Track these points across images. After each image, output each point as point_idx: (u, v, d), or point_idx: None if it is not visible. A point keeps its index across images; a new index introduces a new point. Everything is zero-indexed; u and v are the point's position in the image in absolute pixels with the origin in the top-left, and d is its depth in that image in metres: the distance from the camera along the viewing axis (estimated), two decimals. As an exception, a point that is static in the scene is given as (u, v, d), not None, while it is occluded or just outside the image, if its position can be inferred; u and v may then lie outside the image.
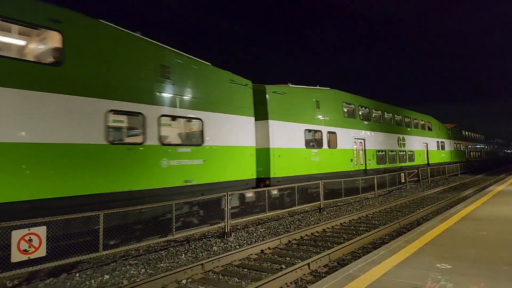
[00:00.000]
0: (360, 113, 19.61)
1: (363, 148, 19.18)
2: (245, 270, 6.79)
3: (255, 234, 9.96)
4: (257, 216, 11.48)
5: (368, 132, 19.79)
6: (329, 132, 16.27)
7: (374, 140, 20.31)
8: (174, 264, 7.28)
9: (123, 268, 6.99)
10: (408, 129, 25.69)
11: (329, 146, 16.15)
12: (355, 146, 18.31)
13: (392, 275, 4.59)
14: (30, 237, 5.80)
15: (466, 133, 44.00)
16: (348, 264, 6.79)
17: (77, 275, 6.62)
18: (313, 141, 15.58)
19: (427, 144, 28.77)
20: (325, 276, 6.01)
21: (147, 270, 6.90)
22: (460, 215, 9.00)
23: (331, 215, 13.01)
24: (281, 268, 6.76)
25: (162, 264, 7.28)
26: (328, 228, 10.36)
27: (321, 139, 15.74)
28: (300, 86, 15.33)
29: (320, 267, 6.58)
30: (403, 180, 21.41)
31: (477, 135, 50.58)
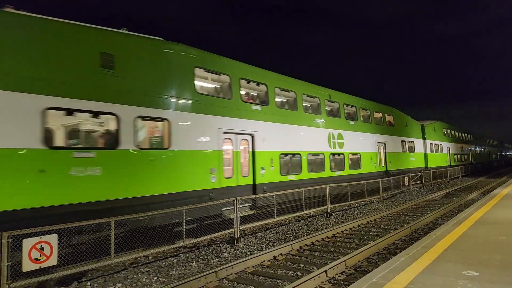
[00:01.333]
0: (242, 92, 12.14)
1: (251, 149, 11.87)
2: (260, 277, 6.64)
3: (264, 240, 9.82)
4: (265, 222, 11.31)
5: (261, 124, 12.30)
6: (146, 119, 8.76)
7: (275, 137, 12.79)
8: (186, 272, 7.12)
9: (134, 276, 6.82)
10: (351, 122, 17.90)
11: (142, 146, 8.61)
12: (228, 146, 11.16)
13: (419, 284, 4.45)
14: (41, 246, 5.63)
15: (449, 131, 35.88)
16: (365, 270, 6.69)
17: (88, 283, 6.45)
18: (82, 135, 8.18)
19: (384, 145, 21.00)
20: (346, 285, 5.90)
21: (159, 278, 6.74)
22: (473, 219, 8.89)
23: (338, 219, 12.87)
24: (297, 275, 6.62)
25: (174, 272, 7.12)
26: (338, 233, 10.22)
27: (117, 132, 8.06)
28: (49, 18, 7.51)
29: (337, 274, 6.44)
30: (407, 184, 21.32)
31: (463, 134, 42.19)
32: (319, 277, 6.04)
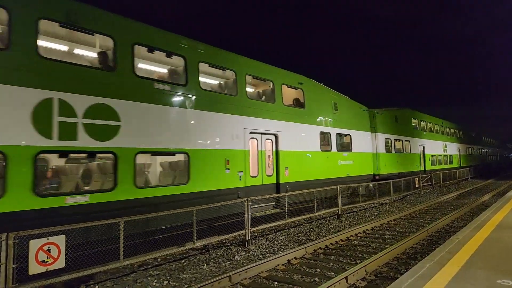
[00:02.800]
0: None
1: None
2: (276, 283, 6.34)
3: (276, 242, 9.51)
4: (275, 224, 10.97)
5: None
6: None
7: None
8: (197, 275, 6.83)
9: (144, 280, 6.55)
10: (163, 87, 8.82)
11: None
12: None
13: (453, 294, 4.13)
14: (48, 247, 5.37)
15: (424, 124, 26.70)
16: (386, 277, 6.38)
17: (96, 287, 6.18)
18: None
19: (276, 138, 12.17)
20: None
21: (170, 282, 6.45)
22: (493, 223, 8.53)
23: (350, 221, 12.54)
24: (314, 281, 6.31)
25: (184, 275, 6.83)
26: (352, 236, 9.89)
27: None
28: None
29: (357, 280, 6.12)
30: (417, 185, 20.91)
31: (449, 130, 32.91)
32: (339, 283, 5.73)
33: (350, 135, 16.28)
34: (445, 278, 4.71)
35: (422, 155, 25.05)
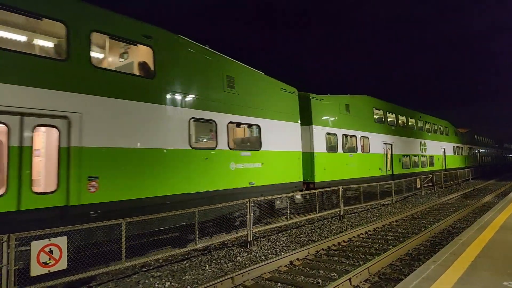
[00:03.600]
0: None
1: None
2: (278, 284, 6.29)
3: (278, 243, 9.46)
4: (277, 224, 10.92)
5: None
6: None
7: None
8: (199, 277, 6.79)
9: (146, 281, 6.51)
10: None
11: None
12: None
13: (460, 296, 4.09)
14: (50, 249, 5.33)
15: (393, 117, 21.42)
16: (390, 278, 6.33)
17: (98, 288, 6.14)
18: None
19: (67, 126, 6.52)
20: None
21: (172, 283, 6.41)
22: (497, 224, 8.49)
23: (352, 222, 12.49)
24: (318, 283, 6.26)
25: (187, 277, 6.79)
26: (354, 237, 9.85)
27: None
28: None
29: (361, 282, 6.08)
30: (418, 186, 20.86)
31: (430, 125, 27.18)
32: (343, 285, 5.68)
33: (258, 126, 11.11)
34: (451, 280, 4.66)
35: (389, 156, 19.77)
